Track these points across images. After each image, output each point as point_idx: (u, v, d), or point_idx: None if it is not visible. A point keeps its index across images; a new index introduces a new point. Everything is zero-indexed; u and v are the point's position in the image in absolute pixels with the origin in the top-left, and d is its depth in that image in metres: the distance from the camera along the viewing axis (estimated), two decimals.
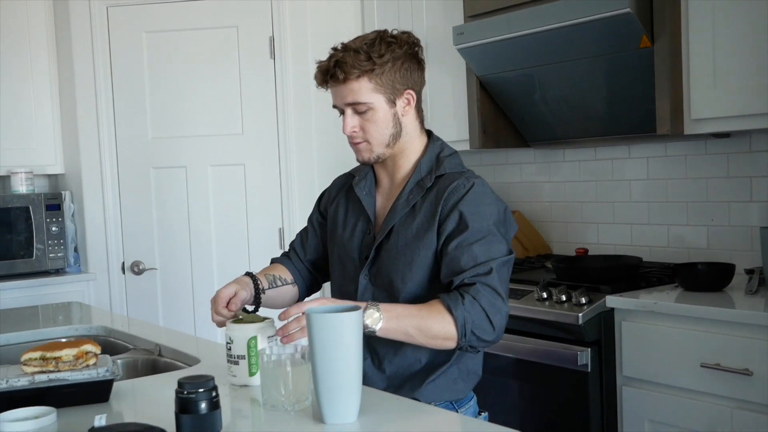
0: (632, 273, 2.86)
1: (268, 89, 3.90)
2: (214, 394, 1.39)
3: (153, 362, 2.15)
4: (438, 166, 1.90)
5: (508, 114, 3.47)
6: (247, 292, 1.90)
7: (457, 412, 1.87)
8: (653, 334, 2.53)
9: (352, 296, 1.92)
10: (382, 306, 1.70)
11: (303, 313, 1.60)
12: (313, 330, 1.45)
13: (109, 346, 2.39)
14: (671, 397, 2.48)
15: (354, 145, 1.91)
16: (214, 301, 1.86)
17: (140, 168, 4.00)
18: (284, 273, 2.07)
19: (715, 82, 2.62)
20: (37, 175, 4.16)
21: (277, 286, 2.03)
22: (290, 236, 3.87)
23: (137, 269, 3.99)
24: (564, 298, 2.71)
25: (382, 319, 1.67)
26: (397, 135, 1.89)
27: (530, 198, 3.75)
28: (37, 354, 1.65)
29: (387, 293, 1.88)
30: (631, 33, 2.75)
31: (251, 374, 1.74)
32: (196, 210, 3.98)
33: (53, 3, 4.13)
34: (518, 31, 3.05)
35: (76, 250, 4.12)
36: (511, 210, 3.53)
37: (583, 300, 2.65)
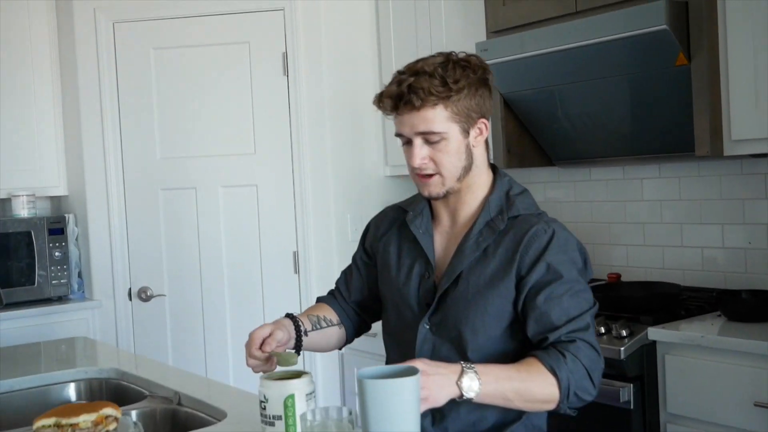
0: (672, 301, 2.72)
1: (281, 107, 3.74)
2: None
3: (173, 413, 1.99)
4: (510, 206, 1.73)
5: (532, 132, 3.33)
6: (284, 333, 1.74)
7: None
8: (699, 369, 2.39)
9: (410, 345, 1.76)
10: (478, 368, 1.53)
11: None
12: (368, 397, 1.30)
13: (122, 391, 2.24)
14: None
15: (422, 177, 1.73)
16: (248, 343, 1.71)
17: (148, 189, 3.84)
18: (329, 313, 1.92)
19: (757, 102, 2.49)
20: (39, 197, 4.00)
21: (321, 328, 1.88)
22: (305, 260, 3.73)
23: (145, 296, 3.83)
24: (603, 330, 2.56)
25: (480, 383, 1.51)
26: (468, 168, 1.72)
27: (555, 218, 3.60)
28: (50, 420, 1.51)
29: (452, 344, 1.72)
30: (667, 50, 2.61)
31: None
32: (206, 233, 3.81)
33: (57, 18, 3.98)
34: (546, 48, 2.92)
35: (80, 275, 3.96)
36: None
37: (624, 332, 2.51)
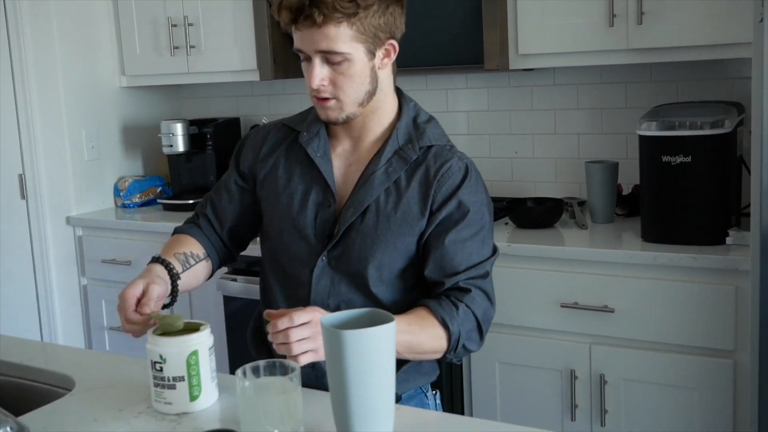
0: None
1: None
2: None
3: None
4: (420, 135, 1.58)
5: None
6: (161, 286, 1.49)
7: (427, 396, 1.66)
8: (504, 277, 2.48)
9: (301, 279, 1.59)
10: None
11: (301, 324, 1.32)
12: (347, 349, 1.14)
13: None
14: (525, 338, 2.47)
15: (320, 101, 1.53)
16: (121, 306, 1.43)
17: None
18: (195, 247, 1.67)
19: (542, 18, 2.57)
20: None
21: (190, 266, 1.63)
22: (34, 183, 3.24)
23: None
24: None
25: None
26: (372, 92, 1.54)
27: None
28: None
29: (352, 279, 1.57)
30: None
31: (192, 399, 1.37)
32: None
33: None
34: None
35: None
36: None
37: None
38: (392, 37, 1.53)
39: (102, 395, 1.46)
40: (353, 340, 1.14)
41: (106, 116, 3.46)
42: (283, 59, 3.15)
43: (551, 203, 2.72)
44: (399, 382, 1.52)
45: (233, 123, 3.51)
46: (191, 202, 3.32)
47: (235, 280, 2.91)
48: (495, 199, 2.81)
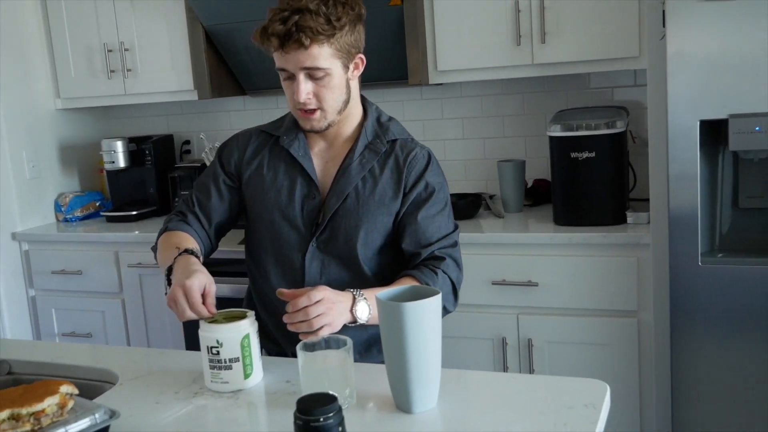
0: None
1: None
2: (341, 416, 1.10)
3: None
4: (385, 131, 1.71)
5: (229, 63, 3.19)
6: (210, 279, 1.51)
7: None
8: None
9: (293, 265, 1.67)
10: (367, 295, 1.51)
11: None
12: (407, 321, 1.23)
13: None
14: (462, 314, 2.61)
15: (305, 113, 1.61)
16: (188, 296, 1.44)
17: None
18: (192, 243, 1.69)
19: (459, 38, 2.73)
20: None
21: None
22: None
23: None
24: None
25: (370, 309, 1.51)
26: (347, 101, 1.65)
27: None
28: (4, 414, 1.12)
29: (341, 260, 1.67)
30: None
31: (246, 377, 1.42)
32: None
33: None
34: None
35: None
36: None
37: None
38: (359, 52, 1.66)
39: (150, 383, 1.48)
40: (412, 311, 1.24)
41: (43, 137, 3.35)
42: (216, 79, 3.17)
43: (472, 197, 2.89)
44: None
45: (168, 140, 3.49)
46: (134, 213, 3.28)
47: None
48: None
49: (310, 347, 1.34)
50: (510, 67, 2.70)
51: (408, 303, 1.23)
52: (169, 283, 1.55)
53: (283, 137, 1.72)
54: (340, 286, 1.61)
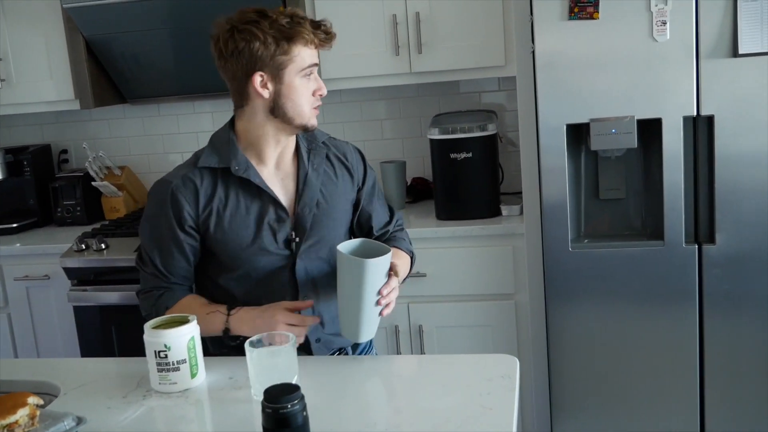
0: None
1: None
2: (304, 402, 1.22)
3: None
4: (312, 138, 1.79)
5: (110, 72, 3.16)
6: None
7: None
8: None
9: (282, 285, 1.71)
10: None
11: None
12: (368, 274, 1.52)
13: None
14: None
15: (316, 109, 1.70)
16: (292, 321, 1.60)
17: None
18: (205, 300, 1.75)
19: (342, 49, 2.82)
20: None
21: None
22: None
23: None
24: None
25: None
26: None
27: (131, 152, 3.49)
28: None
29: (321, 259, 1.74)
30: (270, 4, 2.79)
31: (193, 376, 1.50)
32: None
33: None
34: None
35: None
36: (120, 165, 3.25)
37: None
38: None
39: (95, 390, 1.53)
40: (373, 267, 1.50)
41: None
42: (98, 89, 3.14)
43: None
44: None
45: (46, 150, 3.40)
46: (15, 225, 3.20)
47: (85, 290, 2.87)
48: None
49: (256, 344, 1.44)
50: (390, 75, 2.88)
51: (370, 260, 1.51)
52: (231, 337, 1.66)
53: (235, 167, 1.66)
54: (326, 279, 1.73)
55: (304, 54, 1.63)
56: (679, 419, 2.46)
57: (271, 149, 1.72)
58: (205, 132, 3.41)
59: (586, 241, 2.43)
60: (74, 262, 2.84)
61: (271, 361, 1.42)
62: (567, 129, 2.32)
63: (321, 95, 1.68)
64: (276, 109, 1.65)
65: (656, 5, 2.21)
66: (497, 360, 1.54)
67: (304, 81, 1.65)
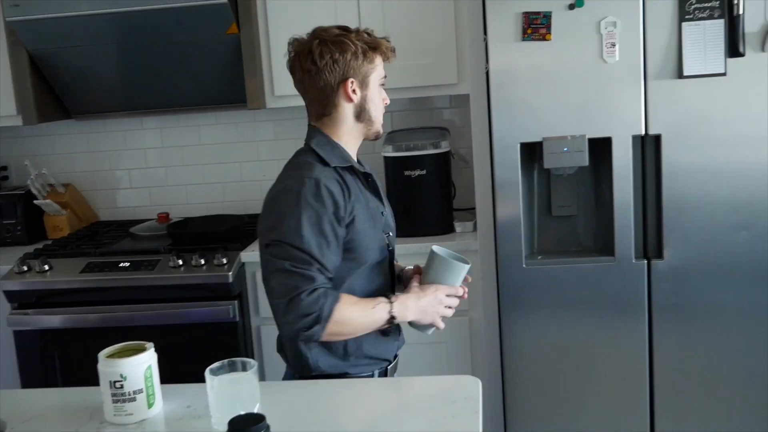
0: (240, 231, 2.95)
1: None
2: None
3: None
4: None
5: (54, 87, 3.08)
6: None
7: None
8: None
9: (388, 277, 1.86)
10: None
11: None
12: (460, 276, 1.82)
13: None
14: None
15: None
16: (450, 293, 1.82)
17: None
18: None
19: None
20: None
21: None
22: None
23: None
24: (203, 261, 2.68)
25: None
26: None
27: (75, 168, 3.39)
28: None
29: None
30: (221, 21, 2.76)
31: (150, 406, 1.45)
32: None
33: None
34: (82, 11, 2.75)
35: None
36: (64, 182, 3.24)
37: (224, 260, 2.68)
38: None
39: (45, 424, 1.47)
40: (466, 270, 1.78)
41: None
42: (41, 104, 3.05)
43: None
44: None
45: None
46: None
47: (26, 314, 2.76)
48: (251, 216, 3.05)
49: (216, 371, 1.40)
50: None
51: (466, 264, 1.81)
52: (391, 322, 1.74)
53: (362, 166, 1.81)
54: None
55: (381, 65, 1.78)
56: (630, 425, 2.50)
57: (353, 152, 1.81)
58: (152, 148, 3.36)
59: (539, 257, 2.46)
60: (15, 285, 2.73)
61: (232, 389, 1.39)
62: (521, 147, 2.34)
63: (386, 104, 1.83)
64: (362, 114, 1.76)
65: (606, 27, 2.25)
66: (460, 381, 1.53)
67: (380, 89, 1.79)
